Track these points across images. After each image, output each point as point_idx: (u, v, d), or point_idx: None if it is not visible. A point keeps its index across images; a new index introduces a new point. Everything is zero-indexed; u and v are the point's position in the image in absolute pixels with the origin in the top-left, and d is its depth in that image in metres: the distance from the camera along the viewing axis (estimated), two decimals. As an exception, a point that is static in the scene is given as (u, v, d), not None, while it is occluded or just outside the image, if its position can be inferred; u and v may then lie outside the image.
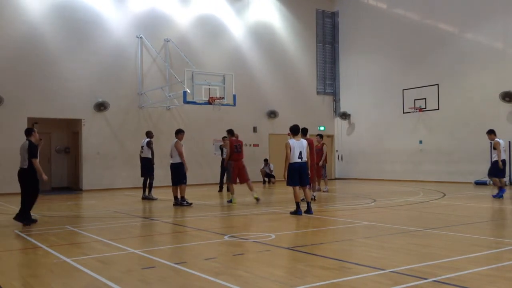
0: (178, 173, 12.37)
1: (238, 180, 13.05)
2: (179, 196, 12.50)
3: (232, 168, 12.81)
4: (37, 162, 9.41)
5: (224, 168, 16.58)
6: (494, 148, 13.39)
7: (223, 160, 16.86)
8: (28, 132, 9.69)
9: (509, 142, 18.42)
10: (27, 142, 9.51)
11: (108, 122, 19.34)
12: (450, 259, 5.76)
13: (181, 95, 17.38)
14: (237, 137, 13.61)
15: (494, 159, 13.40)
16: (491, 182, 18.16)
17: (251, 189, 13.01)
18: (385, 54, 23.33)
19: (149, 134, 14.89)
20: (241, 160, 13.03)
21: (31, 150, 9.37)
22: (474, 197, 13.77)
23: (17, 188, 17.08)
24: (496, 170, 13.26)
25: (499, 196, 13.04)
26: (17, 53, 17.65)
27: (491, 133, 13.62)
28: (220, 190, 17.11)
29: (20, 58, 17.67)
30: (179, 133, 12.68)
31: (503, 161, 13.25)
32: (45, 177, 9.47)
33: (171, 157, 12.61)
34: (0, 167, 17.17)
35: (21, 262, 6.17)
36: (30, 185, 9.50)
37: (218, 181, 17.64)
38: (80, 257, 6.37)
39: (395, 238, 7.40)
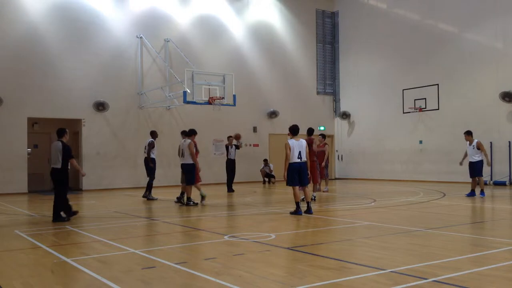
0: (192, 174, 12.44)
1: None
2: (187, 195, 12.59)
3: (197, 169, 12.76)
4: (75, 161, 9.89)
5: (231, 168, 16.98)
6: (478, 149, 13.44)
7: (228, 159, 17.12)
8: (60, 133, 9.94)
9: (509, 142, 18.43)
10: (60, 143, 9.78)
11: (108, 122, 19.34)
12: (450, 259, 5.76)
13: (181, 95, 17.38)
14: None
15: (477, 159, 13.45)
16: (491, 181, 18.26)
17: (199, 188, 12.95)
18: (385, 54, 23.33)
19: (152, 134, 14.87)
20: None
21: (67, 151, 9.71)
22: (474, 197, 13.75)
23: (17, 188, 17.27)
24: (481, 169, 13.51)
25: (482, 195, 13.37)
26: (17, 53, 17.64)
27: (470, 134, 13.73)
28: (229, 190, 16.87)
29: (20, 58, 17.66)
30: (193, 133, 12.70)
31: (481, 162, 13.54)
32: (83, 172, 10.12)
33: (182, 157, 12.60)
34: (0, 167, 17.18)
35: (21, 262, 6.16)
36: (63, 184, 9.89)
37: (224, 181, 17.54)
38: (80, 257, 6.37)
39: (395, 238, 7.40)
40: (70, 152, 9.80)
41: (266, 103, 23.39)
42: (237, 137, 17.18)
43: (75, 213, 10.10)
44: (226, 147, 17.26)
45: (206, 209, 11.84)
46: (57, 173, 9.75)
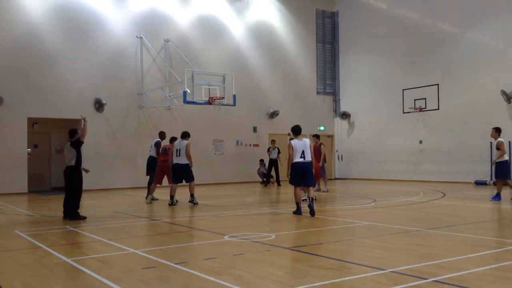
0: (189, 172, 12.80)
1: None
2: (190, 192, 12.87)
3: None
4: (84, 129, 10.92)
5: (273, 166, 19.97)
6: (498, 148, 12.47)
7: (270, 159, 20.04)
8: (70, 133, 11.20)
9: (509, 142, 18.43)
10: (68, 142, 10.70)
11: (108, 122, 19.32)
12: (450, 259, 5.76)
13: (181, 95, 17.38)
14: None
15: (501, 159, 12.42)
16: (493, 183, 18.13)
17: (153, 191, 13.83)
18: (385, 54, 23.32)
19: (160, 135, 14.94)
20: None
21: (75, 146, 10.64)
22: (474, 197, 13.76)
23: (17, 188, 17.26)
24: (503, 171, 12.47)
25: (498, 199, 12.40)
26: (17, 53, 17.62)
27: (497, 131, 12.62)
28: (266, 184, 19.83)
29: (20, 58, 17.64)
30: (188, 135, 13.08)
31: (506, 162, 12.48)
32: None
33: (178, 156, 12.72)
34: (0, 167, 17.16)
35: (21, 262, 6.16)
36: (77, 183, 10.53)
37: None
38: (80, 257, 6.37)
39: (395, 238, 7.39)
40: (78, 141, 10.56)
41: (266, 103, 23.38)
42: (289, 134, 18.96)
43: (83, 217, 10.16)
44: (268, 149, 20.39)
45: (206, 209, 11.84)
46: (70, 172, 10.33)
